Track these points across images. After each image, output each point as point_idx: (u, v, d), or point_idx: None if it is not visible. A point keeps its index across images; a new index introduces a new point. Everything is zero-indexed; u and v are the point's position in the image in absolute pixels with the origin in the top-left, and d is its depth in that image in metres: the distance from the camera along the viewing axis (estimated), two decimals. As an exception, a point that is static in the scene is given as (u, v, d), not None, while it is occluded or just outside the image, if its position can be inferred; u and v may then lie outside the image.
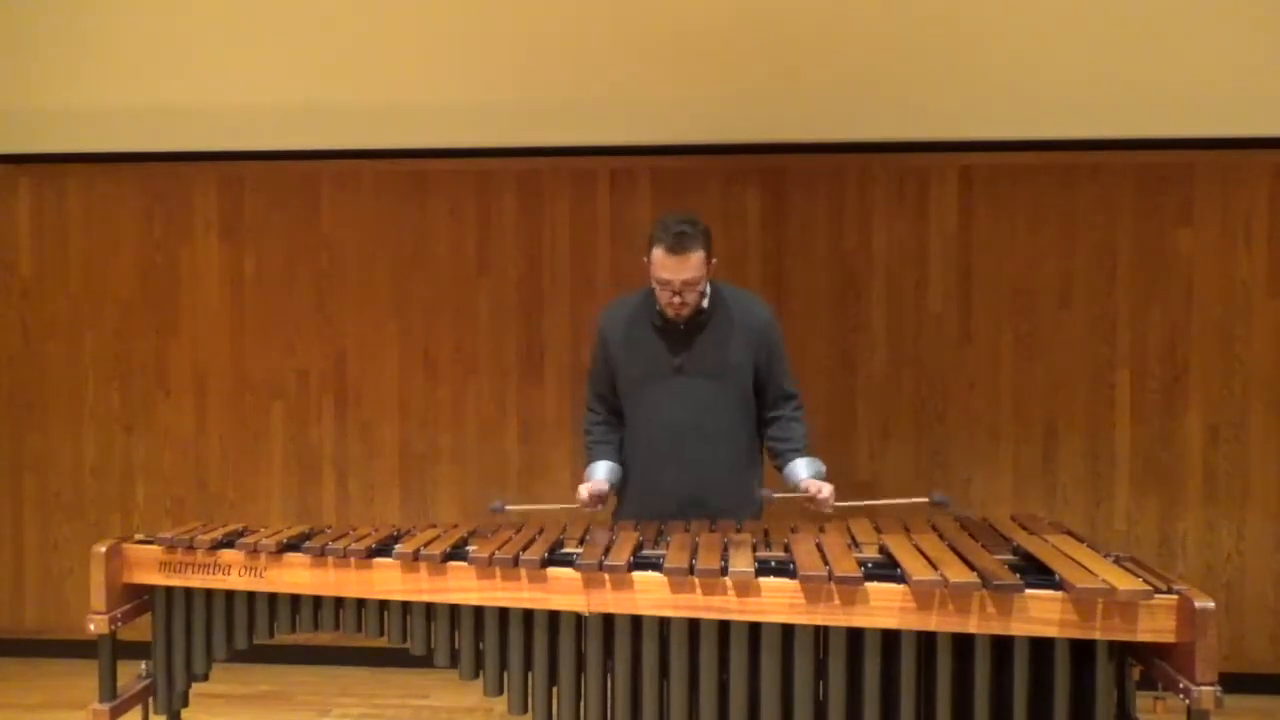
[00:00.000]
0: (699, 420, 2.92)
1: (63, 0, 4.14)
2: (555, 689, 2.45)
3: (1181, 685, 2.09)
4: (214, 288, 4.48)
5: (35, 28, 4.19)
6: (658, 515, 2.88)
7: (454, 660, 2.53)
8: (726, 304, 2.98)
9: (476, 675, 2.52)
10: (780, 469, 2.99)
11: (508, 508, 2.93)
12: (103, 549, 2.67)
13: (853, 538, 2.62)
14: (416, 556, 2.51)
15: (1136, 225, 4.12)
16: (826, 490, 2.86)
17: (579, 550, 2.49)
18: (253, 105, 4.30)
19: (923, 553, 2.38)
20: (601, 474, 3.00)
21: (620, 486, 3.06)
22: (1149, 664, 2.22)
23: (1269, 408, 4.08)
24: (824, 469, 2.96)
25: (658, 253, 2.84)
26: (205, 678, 2.75)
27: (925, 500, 2.86)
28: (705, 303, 2.93)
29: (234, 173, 4.45)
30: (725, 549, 2.48)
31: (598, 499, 2.97)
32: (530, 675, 2.47)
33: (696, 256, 2.82)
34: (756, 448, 3.08)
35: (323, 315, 4.44)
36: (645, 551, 2.50)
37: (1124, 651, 2.23)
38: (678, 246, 2.81)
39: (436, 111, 4.26)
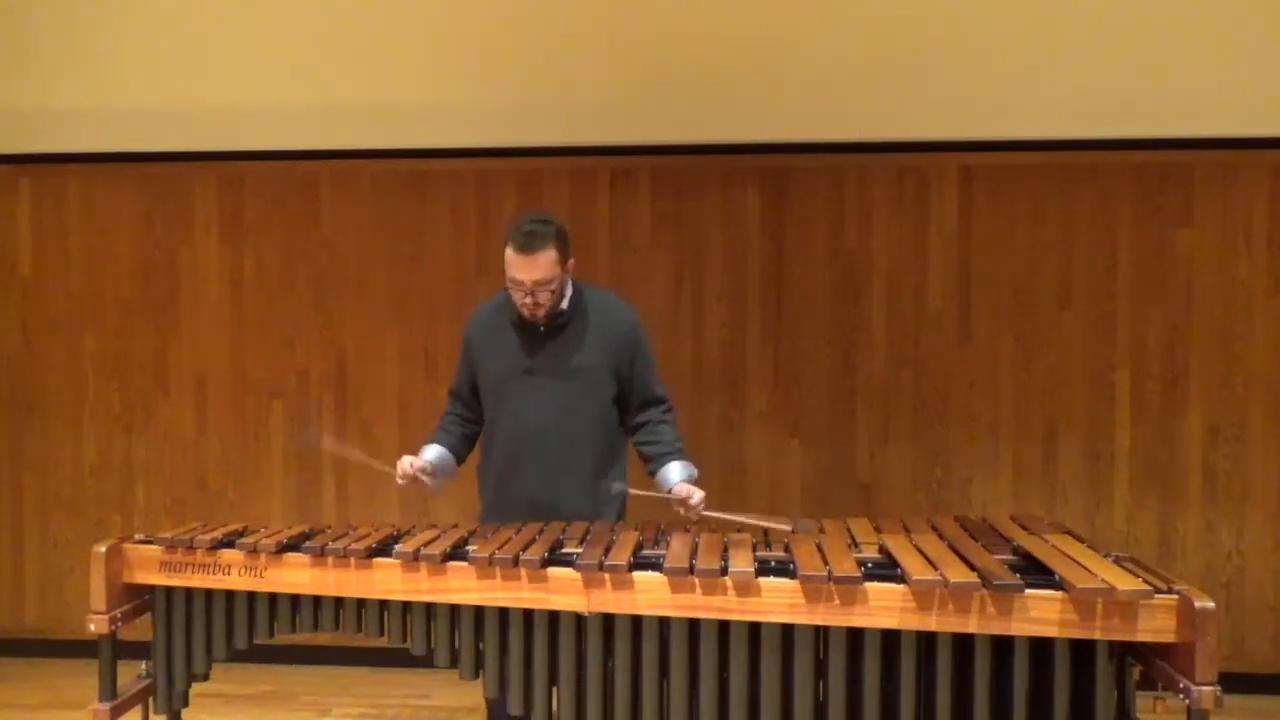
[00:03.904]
0: (553, 422, 2.87)
1: (63, 0, 4.14)
2: (555, 689, 2.45)
3: (1181, 685, 2.09)
4: (214, 288, 4.48)
5: (35, 28, 4.20)
6: (511, 516, 2.85)
7: (454, 660, 2.53)
8: (587, 306, 2.93)
9: (476, 675, 2.52)
10: (653, 474, 2.93)
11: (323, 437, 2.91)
12: (103, 549, 2.67)
13: (852, 538, 2.62)
14: (416, 556, 2.50)
15: (1136, 225, 4.12)
16: (696, 496, 2.79)
17: (579, 550, 2.49)
18: (253, 105, 4.30)
19: (923, 553, 2.38)
20: (429, 455, 2.98)
21: (480, 486, 3.05)
22: (1149, 664, 2.22)
23: (1269, 408, 4.08)
24: (696, 473, 2.89)
25: (509, 252, 2.79)
26: (205, 678, 2.74)
27: (789, 527, 2.65)
28: (565, 304, 2.89)
29: (234, 173, 4.45)
30: (725, 549, 2.49)
31: (417, 474, 2.91)
32: (530, 675, 2.47)
33: (547, 256, 2.77)
34: (618, 451, 3.01)
35: (323, 315, 4.44)
36: (645, 551, 2.50)
37: (1124, 651, 2.23)
38: (528, 246, 2.76)
39: (436, 111, 4.26)
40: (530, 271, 2.77)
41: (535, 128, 4.24)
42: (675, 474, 2.86)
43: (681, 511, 2.81)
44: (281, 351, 4.46)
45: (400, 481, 2.94)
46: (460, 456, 3.07)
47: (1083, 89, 3.99)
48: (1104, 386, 4.14)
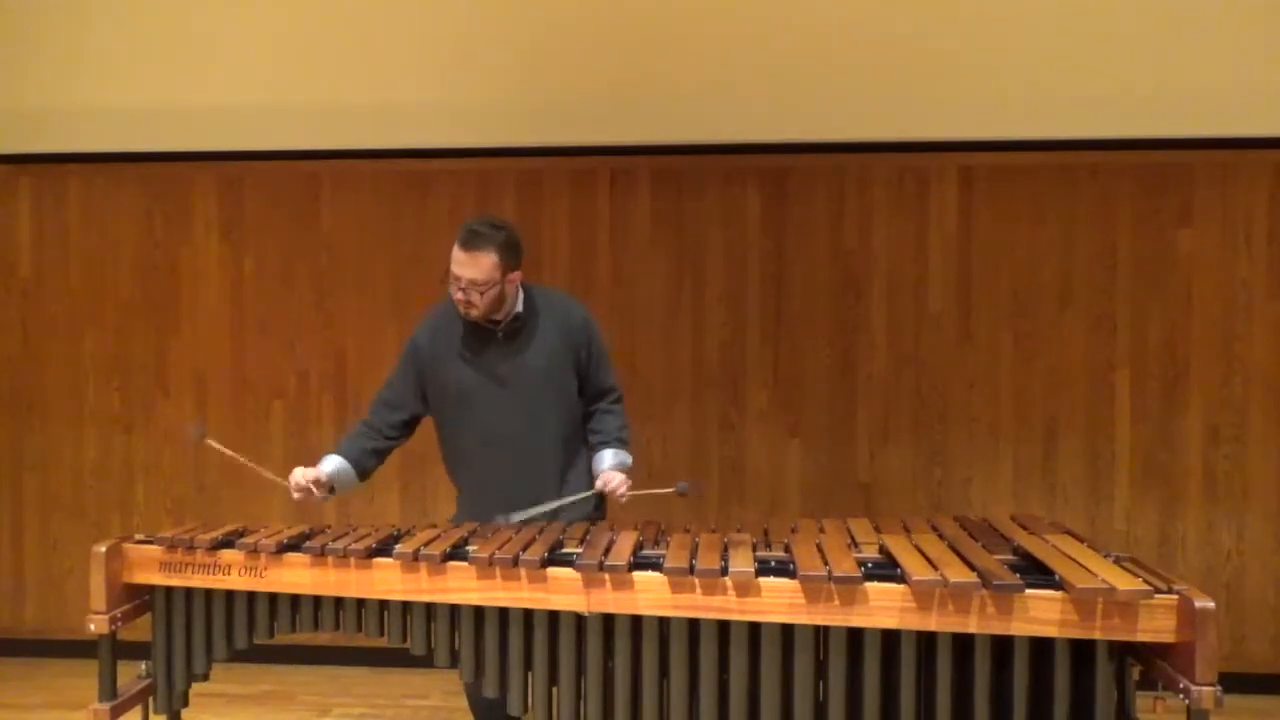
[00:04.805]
0: (518, 424, 2.87)
1: (63, 0, 4.14)
2: (555, 689, 2.45)
3: (1181, 685, 2.09)
4: (214, 288, 4.48)
5: (35, 28, 4.20)
6: (492, 516, 2.83)
7: (454, 660, 2.53)
8: (540, 309, 2.93)
9: (476, 675, 2.52)
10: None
11: (209, 441, 2.89)
12: (103, 549, 2.66)
13: (852, 538, 2.62)
14: (416, 556, 2.50)
15: (1136, 225, 4.12)
16: (614, 482, 2.84)
17: (579, 550, 2.49)
18: (253, 105, 4.30)
19: (923, 553, 2.38)
20: (327, 467, 2.90)
21: (456, 486, 3.03)
22: (1149, 664, 2.22)
23: (1269, 408, 4.08)
24: (628, 461, 2.94)
25: (454, 247, 2.80)
26: (205, 678, 2.74)
27: (673, 490, 2.91)
28: (520, 307, 2.89)
29: (234, 173, 4.45)
30: (725, 549, 2.48)
31: (310, 486, 2.86)
32: (530, 675, 2.46)
33: (487, 259, 2.76)
34: (585, 450, 3.02)
35: (323, 315, 4.44)
36: (645, 551, 2.50)
37: (1124, 651, 2.23)
38: (469, 244, 2.77)
39: (436, 111, 4.26)
40: (466, 269, 2.77)
41: (535, 128, 4.24)
42: (605, 461, 2.92)
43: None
44: (281, 351, 4.46)
45: (295, 495, 2.87)
46: (364, 471, 2.97)
47: (1083, 89, 3.99)
48: (1104, 386, 4.14)
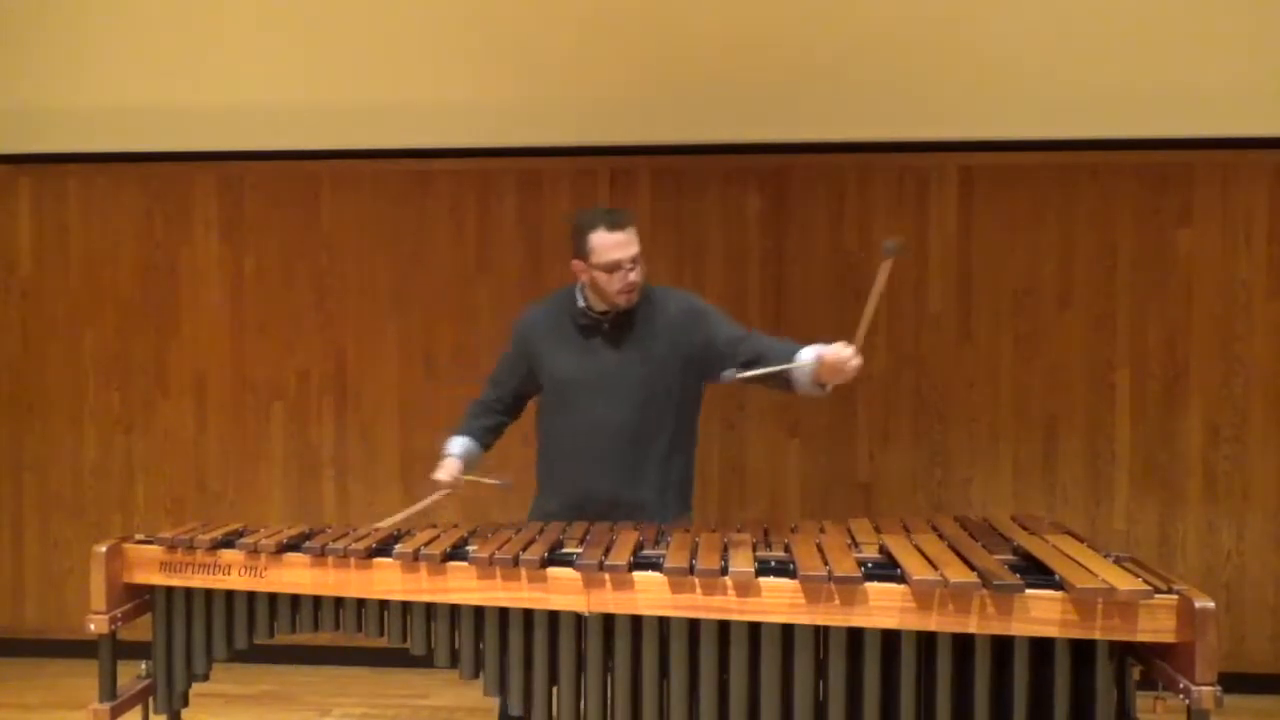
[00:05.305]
0: (626, 419, 2.84)
1: (63, 0, 4.14)
2: (555, 689, 2.45)
3: (1181, 685, 2.09)
4: (214, 288, 4.48)
5: (35, 28, 4.20)
6: (588, 515, 2.81)
7: (454, 660, 2.53)
8: (649, 299, 2.91)
9: (476, 675, 2.51)
10: (790, 377, 2.72)
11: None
12: (103, 549, 2.67)
13: (852, 538, 2.62)
14: (416, 556, 2.50)
15: (1136, 225, 4.12)
16: (839, 349, 2.60)
17: (579, 550, 2.49)
18: (253, 105, 4.30)
19: (923, 553, 2.38)
20: (455, 448, 3.02)
21: (542, 484, 3.01)
22: (1149, 664, 2.22)
23: (1269, 408, 4.08)
24: (826, 348, 2.68)
25: (600, 237, 2.78)
26: (205, 678, 2.74)
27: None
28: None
29: (234, 173, 4.45)
30: (725, 549, 2.48)
31: (455, 481, 2.99)
32: (530, 675, 2.47)
33: (634, 229, 2.82)
34: (691, 439, 2.99)
35: (323, 315, 4.44)
36: (645, 551, 2.50)
37: (1124, 651, 2.23)
38: (621, 222, 2.80)
39: (436, 111, 4.26)
40: (629, 247, 2.79)
41: (535, 128, 4.24)
42: (808, 354, 2.69)
43: (840, 376, 2.64)
44: (281, 351, 4.46)
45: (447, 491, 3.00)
46: (486, 446, 3.11)
47: (1083, 89, 3.99)
48: (1104, 386, 4.14)
